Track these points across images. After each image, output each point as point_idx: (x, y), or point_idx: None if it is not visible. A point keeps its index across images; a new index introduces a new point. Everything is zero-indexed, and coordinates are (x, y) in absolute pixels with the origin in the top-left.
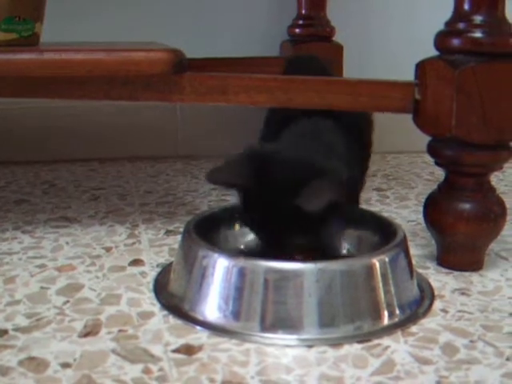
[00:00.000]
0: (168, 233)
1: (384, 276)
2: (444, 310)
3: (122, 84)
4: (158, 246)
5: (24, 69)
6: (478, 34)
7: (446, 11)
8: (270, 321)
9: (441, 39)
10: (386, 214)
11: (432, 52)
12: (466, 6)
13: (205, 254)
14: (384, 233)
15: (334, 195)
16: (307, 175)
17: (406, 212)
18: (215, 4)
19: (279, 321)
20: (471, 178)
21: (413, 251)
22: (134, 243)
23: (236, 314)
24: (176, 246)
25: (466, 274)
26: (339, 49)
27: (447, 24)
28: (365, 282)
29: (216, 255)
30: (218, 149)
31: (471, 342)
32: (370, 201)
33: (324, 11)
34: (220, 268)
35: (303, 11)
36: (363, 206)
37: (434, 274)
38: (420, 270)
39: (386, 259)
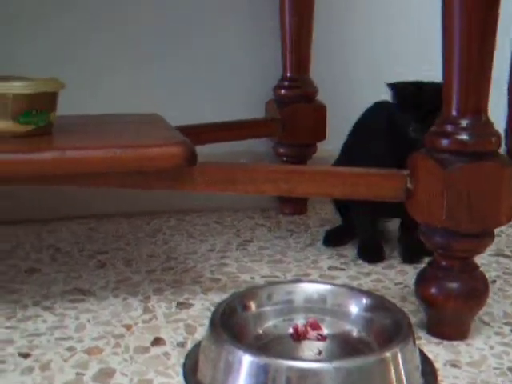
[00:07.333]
0: (180, 305)
1: (396, 367)
2: None
3: (137, 174)
4: (173, 322)
5: (47, 168)
6: (463, 137)
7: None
8: None
9: (430, 138)
10: (374, 276)
11: None
12: (454, 112)
13: (230, 351)
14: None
15: None
16: None
17: (392, 273)
18: (203, 70)
19: None
20: (458, 260)
21: None
22: (150, 319)
23: None
24: (190, 321)
25: (455, 343)
26: (323, 109)
27: (437, 125)
28: (379, 375)
29: (241, 352)
30: (208, 204)
31: None
32: (357, 261)
33: (308, 73)
34: (245, 364)
35: (288, 74)
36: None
37: (426, 344)
38: None
39: (398, 350)
